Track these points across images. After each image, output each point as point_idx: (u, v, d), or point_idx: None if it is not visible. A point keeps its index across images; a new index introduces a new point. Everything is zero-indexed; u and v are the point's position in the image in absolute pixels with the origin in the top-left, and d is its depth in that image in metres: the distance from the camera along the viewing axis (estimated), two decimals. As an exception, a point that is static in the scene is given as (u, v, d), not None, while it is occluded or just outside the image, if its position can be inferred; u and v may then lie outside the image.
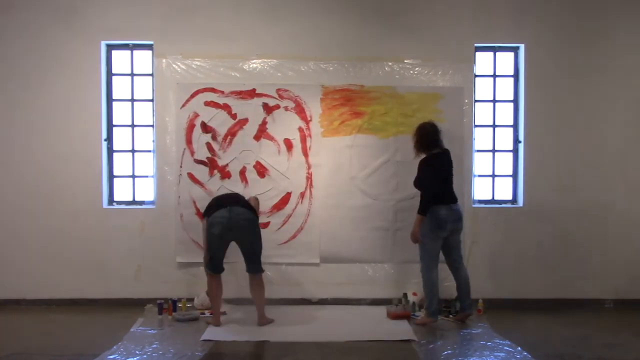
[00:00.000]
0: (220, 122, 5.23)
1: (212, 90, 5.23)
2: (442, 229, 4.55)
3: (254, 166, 5.26)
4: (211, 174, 5.24)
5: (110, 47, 5.38)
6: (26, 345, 4.08)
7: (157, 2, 5.24)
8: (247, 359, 3.91)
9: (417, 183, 4.66)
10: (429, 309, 4.62)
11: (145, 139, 5.42)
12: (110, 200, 5.40)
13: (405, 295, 5.05)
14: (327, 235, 5.27)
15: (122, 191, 5.45)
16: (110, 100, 5.40)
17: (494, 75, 5.53)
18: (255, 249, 4.56)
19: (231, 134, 5.25)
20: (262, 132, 5.26)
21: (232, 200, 4.57)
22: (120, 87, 5.44)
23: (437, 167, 4.58)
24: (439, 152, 4.64)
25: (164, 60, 5.24)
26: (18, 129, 5.24)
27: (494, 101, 5.53)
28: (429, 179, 4.55)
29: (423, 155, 4.67)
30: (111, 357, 3.82)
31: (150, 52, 5.36)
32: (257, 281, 4.58)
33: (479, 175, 5.47)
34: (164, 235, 5.24)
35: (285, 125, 5.26)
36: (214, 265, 4.53)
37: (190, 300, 5.09)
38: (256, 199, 4.89)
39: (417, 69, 5.30)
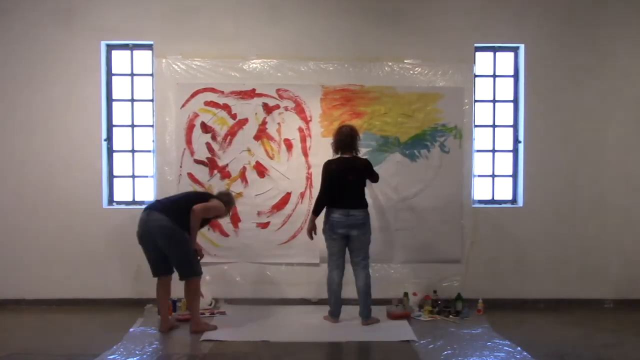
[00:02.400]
0: (220, 122, 5.23)
1: (212, 90, 5.23)
2: (333, 231, 4.56)
3: (254, 166, 5.26)
4: (211, 174, 5.24)
5: (110, 47, 5.38)
6: (26, 345, 4.08)
7: (157, 2, 5.25)
8: (247, 359, 3.91)
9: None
10: (329, 309, 4.65)
11: (145, 139, 5.42)
12: (110, 200, 5.40)
13: (405, 295, 5.05)
14: (327, 235, 5.27)
15: (122, 191, 5.45)
16: (110, 100, 5.40)
17: (494, 75, 5.53)
18: (175, 257, 4.37)
19: (231, 134, 5.25)
20: (262, 132, 5.26)
21: (152, 204, 4.44)
22: (120, 87, 5.44)
23: (335, 171, 4.55)
24: (347, 156, 4.60)
25: (164, 60, 5.24)
26: (18, 129, 5.24)
27: (494, 101, 5.53)
28: (322, 181, 4.60)
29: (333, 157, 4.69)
30: (111, 357, 3.82)
31: (150, 52, 5.36)
32: (186, 286, 4.43)
33: (479, 175, 5.47)
34: (164, 235, 5.23)
35: (285, 125, 5.26)
36: (150, 267, 4.49)
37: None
38: (221, 199, 4.54)
39: (417, 69, 5.30)
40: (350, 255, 4.67)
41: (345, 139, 4.59)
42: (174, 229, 4.25)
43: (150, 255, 4.42)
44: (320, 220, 4.66)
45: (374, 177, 4.74)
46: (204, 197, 4.55)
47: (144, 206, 5.23)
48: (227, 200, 4.64)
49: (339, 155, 4.62)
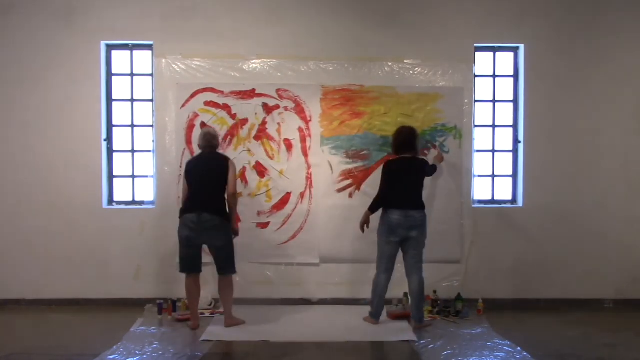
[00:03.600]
0: (220, 122, 5.23)
1: (212, 90, 5.23)
2: (393, 233, 4.52)
3: (254, 166, 5.25)
4: (211, 174, 5.24)
5: (110, 47, 5.38)
6: (26, 345, 4.08)
7: (157, 2, 5.25)
8: (247, 359, 3.91)
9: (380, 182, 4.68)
10: (370, 309, 4.65)
11: (145, 139, 5.42)
12: (110, 201, 5.40)
13: (405, 295, 5.05)
14: (327, 235, 5.27)
15: (122, 191, 5.45)
16: (110, 100, 5.41)
17: (494, 75, 5.53)
18: (224, 253, 4.49)
19: (231, 134, 5.25)
20: (262, 132, 5.26)
21: (201, 205, 4.40)
22: (120, 87, 5.44)
23: (396, 170, 4.54)
24: (407, 156, 4.60)
25: (163, 60, 5.24)
26: (18, 129, 5.24)
27: (494, 101, 5.53)
28: (382, 181, 4.58)
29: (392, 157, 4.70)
30: (111, 357, 3.82)
31: (150, 52, 5.36)
32: (224, 282, 4.53)
33: (479, 175, 5.47)
34: (164, 235, 5.23)
35: (285, 125, 5.26)
36: (184, 265, 4.51)
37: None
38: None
39: (417, 69, 5.30)
40: (406, 257, 4.62)
41: (406, 139, 4.61)
42: (227, 226, 4.47)
43: (190, 253, 4.48)
44: (375, 221, 4.65)
45: (430, 171, 4.75)
46: (223, 170, 4.45)
47: (143, 206, 5.33)
48: (216, 144, 4.63)
49: (399, 156, 4.63)
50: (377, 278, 4.65)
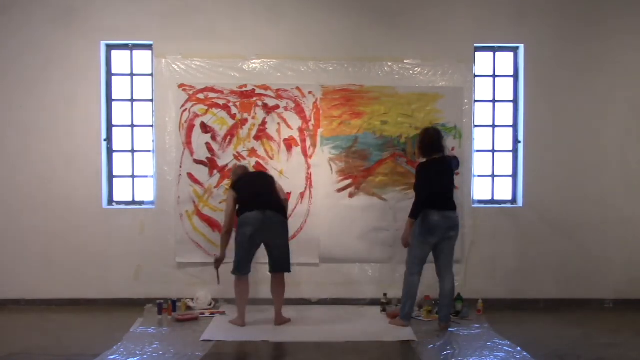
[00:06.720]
0: (220, 122, 5.24)
1: (212, 90, 5.23)
2: (432, 234, 4.47)
3: (254, 166, 5.25)
4: (211, 174, 5.24)
5: (109, 47, 5.38)
6: (26, 345, 4.08)
7: (157, 2, 5.24)
8: (247, 359, 3.91)
9: (414, 187, 4.63)
10: (402, 311, 4.60)
11: (145, 139, 5.42)
12: (110, 200, 5.40)
13: (405, 295, 5.04)
14: (327, 235, 5.27)
15: (122, 191, 5.45)
16: (109, 100, 5.40)
17: (494, 76, 5.53)
18: (285, 250, 4.58)
19: (231, 134, 5.25)
20: (262, 132, 5.26)
21: (265, 203, 4.48)
22: (120, 87, 5.44)
23: (432, 172, 4.49)
24: (438, 157, 4.54)
25: (163, 60, 5.24)
26: (17, 129, 5.24)
27: (494, 101, 5.53)
28: (423, 184, 4.50)
29: (422, 160, 4.62)
30: (111, 357, 3.82)
31: (150, 52, 5.36)
32: (280, 280, 4.60)
33: (479, 175, 5.48)
34: (164, 235, 5.24)
35: (285, 125, 5.26)
36: (242, 266, 4.52)
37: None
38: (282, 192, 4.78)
39: (416, 69, 5.30)
40: (439, 258, 4.57)
41: (434, 140, 4.55)
42: (287, 225, 4.61)
43: (250, 253, 4.52)
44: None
45: (457, 165, 4.71)
46: (272, 182, 4.74)
47: (143, 206, 5.33)
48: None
49: (430, 158, 4.55)
50: (410, 279, 4.56)
